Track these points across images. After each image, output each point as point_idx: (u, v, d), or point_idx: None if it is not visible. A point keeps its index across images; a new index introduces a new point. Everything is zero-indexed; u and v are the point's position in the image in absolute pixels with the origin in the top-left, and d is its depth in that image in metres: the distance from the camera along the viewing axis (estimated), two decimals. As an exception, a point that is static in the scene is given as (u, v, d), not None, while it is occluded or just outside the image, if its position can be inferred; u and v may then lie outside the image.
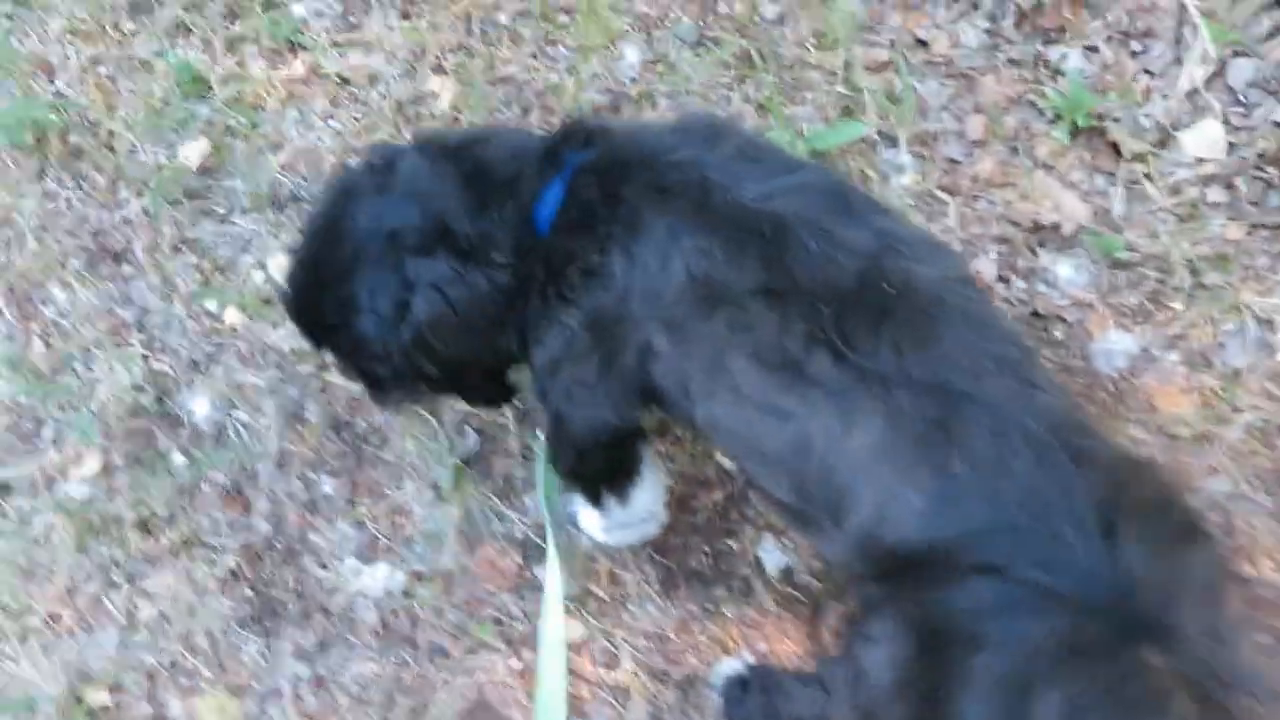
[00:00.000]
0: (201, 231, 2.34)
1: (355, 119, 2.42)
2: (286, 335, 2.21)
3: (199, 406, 2.16)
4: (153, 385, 2.20)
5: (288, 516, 2.08)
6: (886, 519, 1.25)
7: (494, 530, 2.03)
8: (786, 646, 1.91)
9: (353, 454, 2.12)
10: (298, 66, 2.53)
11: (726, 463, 2.01)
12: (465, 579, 1.97)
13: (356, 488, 2.10)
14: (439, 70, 2.49)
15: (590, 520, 1.94)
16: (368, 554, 2.03)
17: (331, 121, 2.46)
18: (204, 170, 2.43)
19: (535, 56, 2.48)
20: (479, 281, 1.53)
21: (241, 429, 2.16)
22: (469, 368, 1.61)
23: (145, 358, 2.18)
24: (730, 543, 2.01)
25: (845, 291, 1.29)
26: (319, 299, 1.53)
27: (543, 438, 1.78)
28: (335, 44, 2.54)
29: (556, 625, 1.55)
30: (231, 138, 2.45)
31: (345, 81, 2.47)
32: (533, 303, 1.56)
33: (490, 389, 1.76)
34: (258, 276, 2.26)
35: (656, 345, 1.45)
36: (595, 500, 1.83)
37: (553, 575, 1.59)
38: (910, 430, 1.24)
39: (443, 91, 2.48)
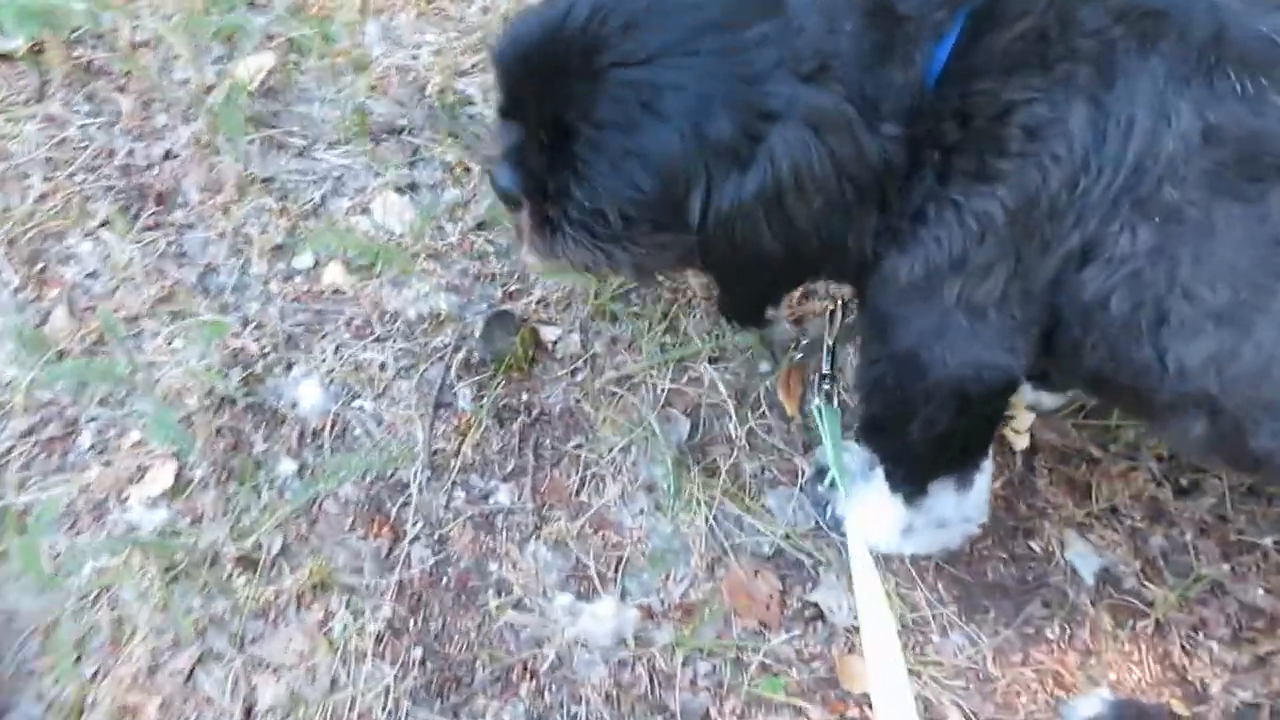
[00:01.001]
0: (275, 168, 1.73)
1: (454, 38, 1.86)
2: (414, 298, 1.62)
3: (306, 394, 1.55)
4: (236, 367, 1.56)
5: (455, 540, 1.48)
6: None
7: (736, 544, 1.50)
8: (1139, 674, 1.46)
9: (529, 450, 1.55)
10: (370, -27, 1.95)
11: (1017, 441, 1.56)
12: (713, 613, 1.43)
13: (542, 496, 1.53)
14: (548, -15, 1.96)
15: (883, 522, 1.45)
16: (576, 585, 1.46)
17: (426, 38, 1.89)
18: (268, 92, 1.82)
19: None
20: (868, 143, 1.04)
21: (370, 424, 1.55)
22: (776, 264, 1.09)
23: (218, 332, 1.54)
24: (1031, 544, 1.56)
25: None
26: (570, 76, 1.01)
27: (831, 401, 1.36)
28: (413, -48, 1.98)
29: (887, 651, 1.12)
30: (298, 54, 1.85)
31: (431, -2, 1.93)
32: (914, 186, 1.09)
33: (763, 301, 1.24)
34: (362, 224, 1.67)
35: (1114, 247, 1.03)
36: (920, 486, 1.34)
37: (869, 583, 1.17)
38: None
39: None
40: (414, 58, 1.91)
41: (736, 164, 1.01)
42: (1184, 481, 1.66)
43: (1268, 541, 1.62)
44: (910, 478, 1.39)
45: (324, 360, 1.62)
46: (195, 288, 1.66)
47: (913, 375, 1.22)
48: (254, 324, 1.64)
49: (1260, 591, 1.57)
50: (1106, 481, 1.65)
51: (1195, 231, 0.99)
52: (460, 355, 1.63)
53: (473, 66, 1.90)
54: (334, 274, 1.67)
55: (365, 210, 1.75)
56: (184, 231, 1.71)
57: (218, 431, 1.53)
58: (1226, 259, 0.98)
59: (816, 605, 1.52)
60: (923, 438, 1.29)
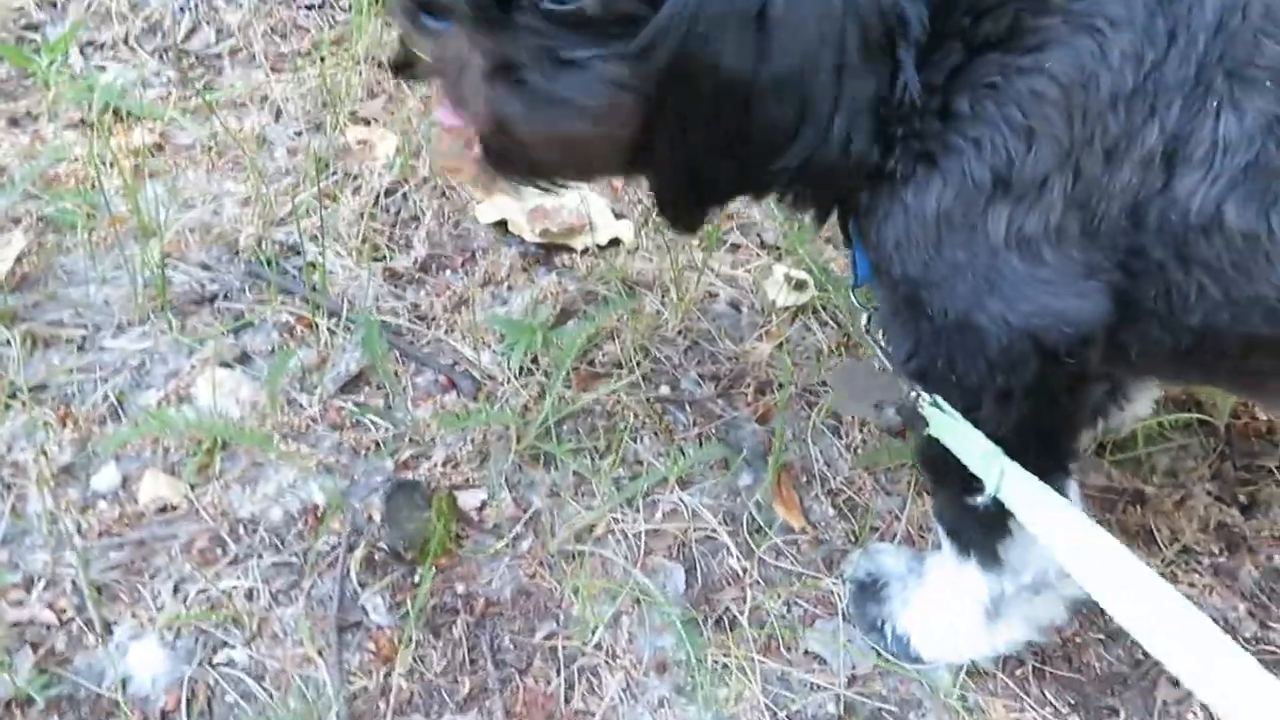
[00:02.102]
0: (45, 371, 1.26)
1: (262, 183, 1.51)
2: (276, 493, 1.18)
3: (142, 663, 1.09)
4: (24, 649, 1.04)
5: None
6: None
7: (794, 713, 1.10)
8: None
9: (485, 659, 1.11)
10: (140, 136, 1.58)
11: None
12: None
13: (520, 718, 1.07)
14: (358, 121, 1.68)
15: (961, 618, 1.11)
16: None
17: (226, 188, 1.52)
18: (21, 282, 1.37)
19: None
20: None
21: (248, 681, 1.06)
22: (735, 112, 0.82)
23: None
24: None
25: None
26: None
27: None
28: (187, 111, 1.64)
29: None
30: (57, 233, 1.42)
31: (220, 150, 1.57)
32: (938, 64, 0.83)
33: (708, 183, 0.92)
34: (185, 415, 1.22)
35: (1214, 134, 0.80)
36: (1001, 525, 1.02)
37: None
38: None
39: (377, 142, 1.66)
40: (215, 214, 1.51)
41: None
42: (1242, 498, 1.41)
43: (1358, 539, 1.37)
44: (986, 515, 1.03)
45: (160, 608, 1.11)
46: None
47: (970, 351, 0.91)
48: (43, 582, 1.11)
49: (1378, 598, 1.31)
50: (1165, 519, 1.37)
51: None
52: (359, 553, 1.17)
53: (293, 212, 1.52)
54: (155, 487, 1.19)
55: (185, 398, 1.29)
56: (-80, 478, 1.18)
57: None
58: None
59: (921, 762, 1.10)
60: (999, 432, 0.94)
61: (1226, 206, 0.80)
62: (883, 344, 1.02)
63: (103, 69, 1.77)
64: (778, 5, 0.77)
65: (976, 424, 0.92)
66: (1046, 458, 1.00)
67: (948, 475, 1.00)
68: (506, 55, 0.80)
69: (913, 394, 0.93)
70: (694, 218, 0.96)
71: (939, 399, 0.93)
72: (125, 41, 1.82)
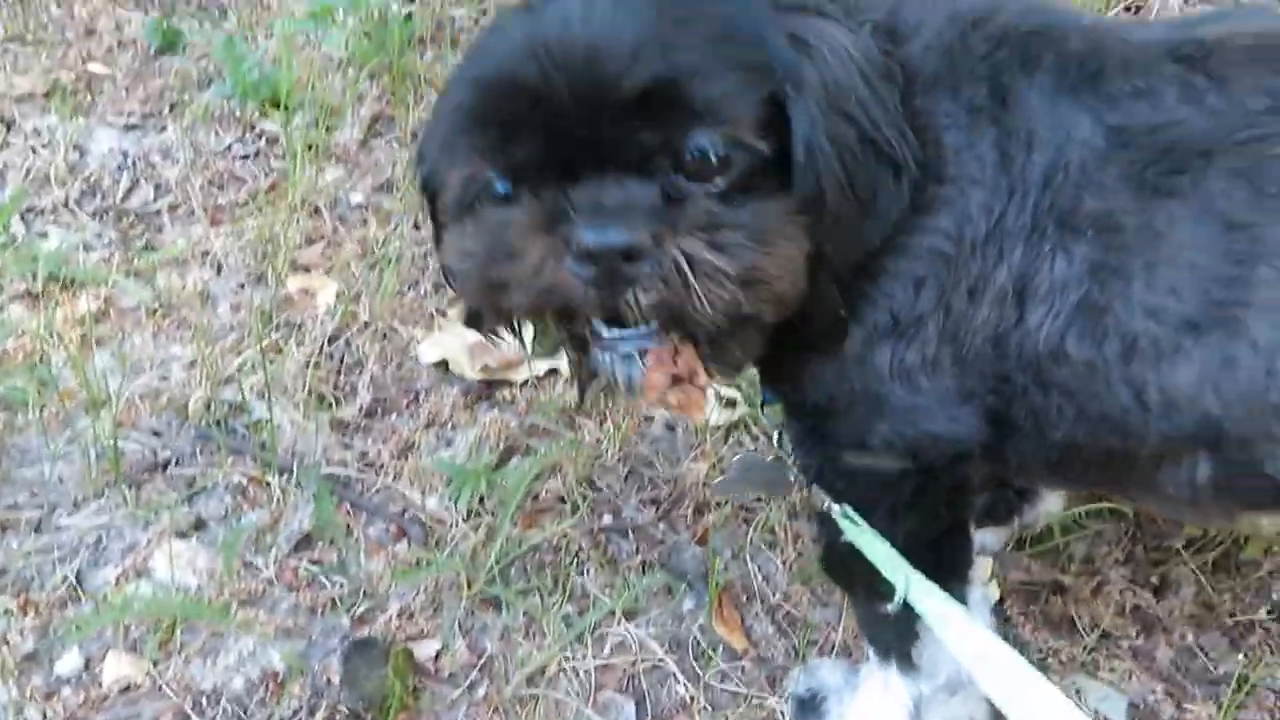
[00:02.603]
0: (4, 555, 1.31)
1: (206, 345, 1.59)
2: (236, 662, 1.24)
3: None
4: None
5: None
6: None
7: None
8: None
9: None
10: (85, 302, 1.65)
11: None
12: None
13: None
14: (299, 269, 1.77)
15: (892, 710, 1.20)
16: None
17: (173, 353, 1.59)
18: (-26, 467, 1.42)
19: (418, 226, 1.85)
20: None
21: None
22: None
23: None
24: None
25: None
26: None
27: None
28: (130, 273, 1.72)
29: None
30: (8, 411, 1.48)
31: (164, 310, 1.65)
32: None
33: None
34: (143, 590, 1.28)
35: (1050, 274, 0.92)
36: (911, 630, 1.11)
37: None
38: None
39: (318, 290, 1.74)
40: (163, 378, 1.58)
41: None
42: (1154, 580, 1.52)
43: (1261, 614, 1.49)
44: (897, 621, 1.12)
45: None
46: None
47: (863, 470, 1.03)
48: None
49: (1283, 673, 1.42)
50: (1085, 606, 1.47)
51: (1139, 239, 0.89)
52: (319, 717, 1.22)
53: (239, 369, 1.59)
54: (118, 667, 1.24)
55: (143, 572, 1.35)
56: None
57: None
58: (1184, 259, 0.88)
59: None
60: (896, 538, 1.04)
61: (1067, 338, 0.92)
62: (795, 459, 1.12)
63: (44, 235, 1.83)
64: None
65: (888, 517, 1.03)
66: (940, 568, 1.10)
67: (854, 582, 1.12)
68: (696, 235, 0.83)
69: (825, 504, 1.03)
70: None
71: (848, 509, 1.02)
72: (65, 204, 1.89)
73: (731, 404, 1.64)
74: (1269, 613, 1.49)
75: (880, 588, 1.02)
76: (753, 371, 1.09)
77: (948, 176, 0.92)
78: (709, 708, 1.31)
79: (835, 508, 1.05)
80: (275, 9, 2.38)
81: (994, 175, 0.91)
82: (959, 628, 0.94)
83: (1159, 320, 0.89)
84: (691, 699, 1.32)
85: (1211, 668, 1.42)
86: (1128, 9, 2.39)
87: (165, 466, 1.47)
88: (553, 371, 1.68)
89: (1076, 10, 1.01)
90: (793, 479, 1.10)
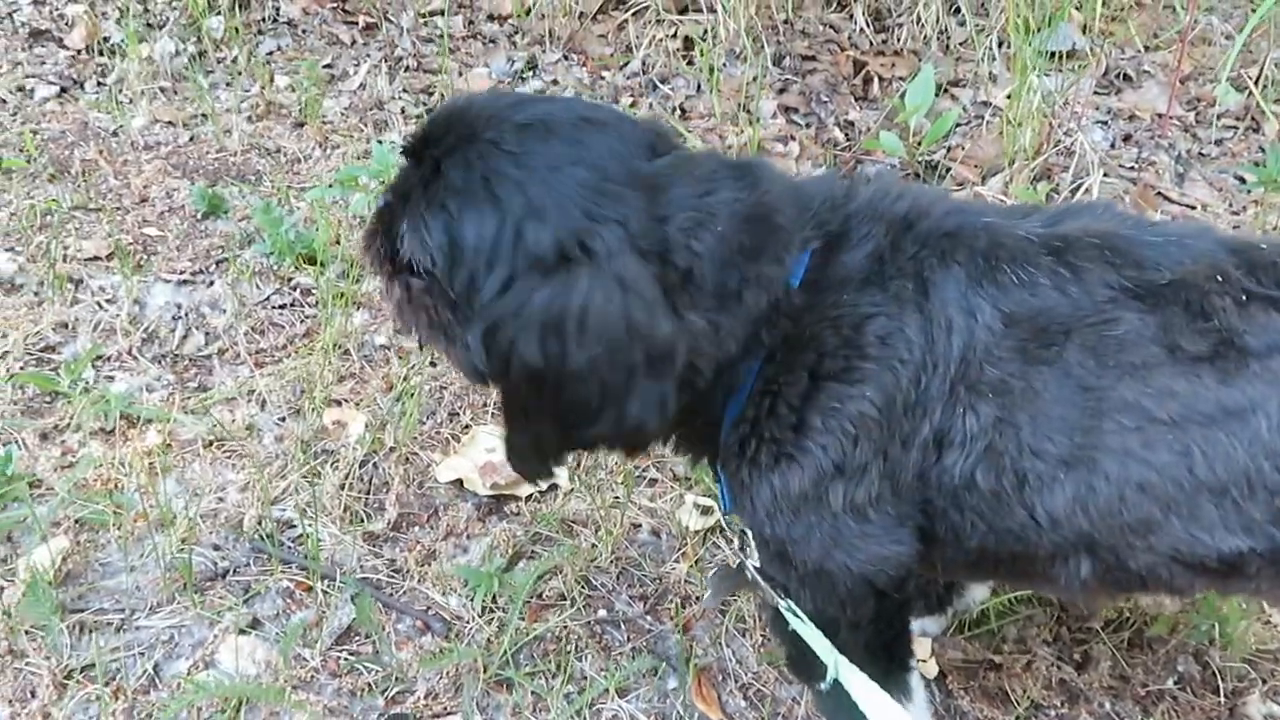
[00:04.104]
0: (92, 652, 1.62)
1: (255, 471, 1.93)
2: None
3: None
4: None
5: None
6: None
7: None
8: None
9: None
10: (151, 437, 2.00)
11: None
12: None
13: None
14: (332, 403, 2.12)
15: None
16: None
17: (229, 478, 1.93)
18: (65, 579, 1.75)
19: (433, 363, 2.22)
20: (662, 323, 1.13)
21: None
22: (548, 394, 1.15)
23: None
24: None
25: (1218, 268, 1.15)
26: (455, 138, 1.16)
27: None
28: (187, 410, 2.07)
29: None
30: (91, 532, 1.81)
31: (218, 441, 2.00)
32: (789, 385, 1.22)
33: (542, 444, 1.25)
34: (211, 679, 1.58)
35: (963, 428, 1.21)
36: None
37: None
38: None
39: (349, 421, 2.10)
40: (220, 500, 1.91)
41: (539, 273, 1.10)
42: (1077, 656, 1.81)
43: (1169, 684, 1.77)
44: (846, 711, 1.41)
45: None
46: (26, 815, 1.45)
47: (825, 588, 1.30)
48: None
49: (1189, 734, 1.69)
50: (1016, 680, 1.76)
51: (1023, 398, 1.16)
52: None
53: (285, 491, 1.92)
54: (194, 750, 1.53)
55: (210, 664, 1.65)
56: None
57: None
58: (1055, 413, 1.15)
59: None
60: (852, 645, 1.34)
61: (976, 473, 1.21)
62: (755, 565, 1.41)
63: (111, 379, 2.18)
64: (572, 315, 1.07)
65: (838, 642, 1.31)
66: (890, 661, 1.40)
67: (797, 654, 1.39)
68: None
69: (775, 601, 1.33)
70: (536, 465, 1.26)
71: (792, 605, 1.31)
72: (129, 352, 2.25)
73: (707, 510, 1.96)
74: (1175, 683, 1.78)
75: (819, 668, 1.32)
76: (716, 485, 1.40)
77: (870, 356, 1.17)
78: (690, 772, 1.59)
79: (781, 603, 1.34)
80: (304, 175, 2.80)
81: (920, 355, 1.17)
82: (877, 701, 1.23)
83: (1041, 459, 1.15)
84: (675, 764, 1.60)
85: (1127, 733, 1.69)
86: (1058, 152, 2.81)
87: (225, 575, 1.78)
88: (553, 487, 2.01)
89: (982, 208, 1.29)
90: (750, 579, 1.40)
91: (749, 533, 1.33)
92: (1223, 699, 1.72)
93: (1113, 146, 2.94)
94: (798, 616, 1.31)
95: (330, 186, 2.59)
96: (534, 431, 1.21)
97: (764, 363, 1.22)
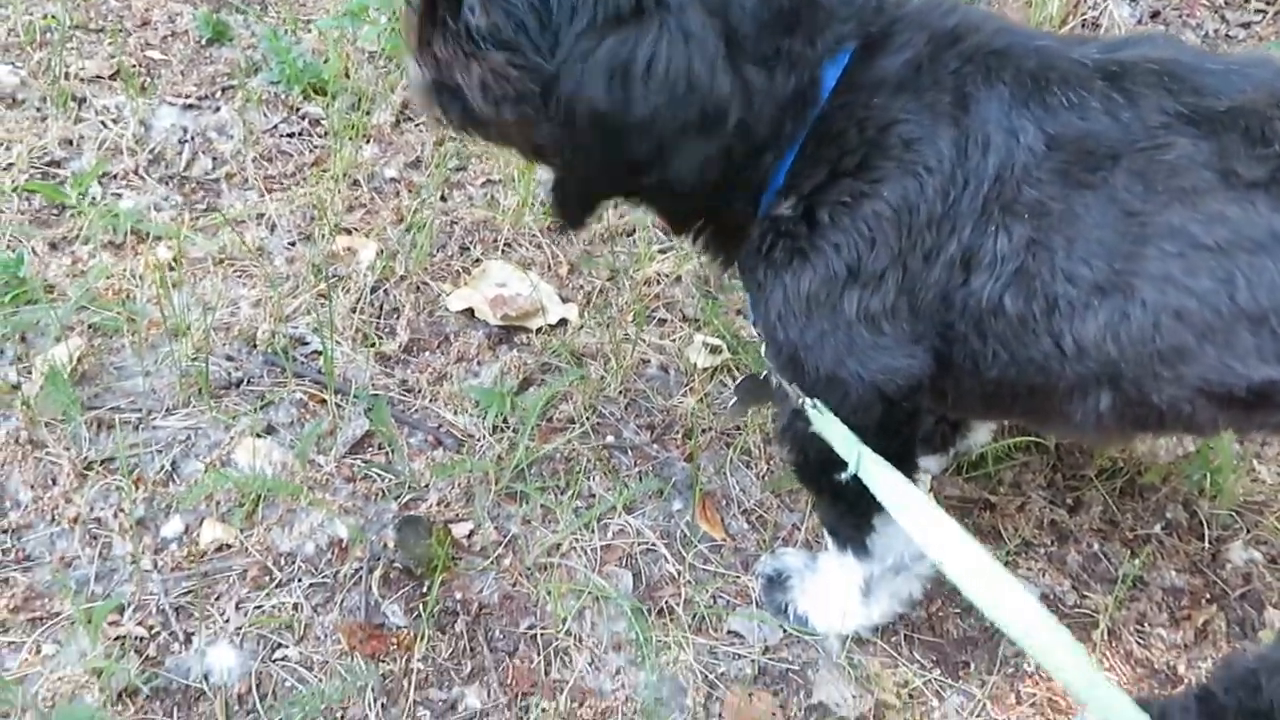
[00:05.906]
0: (112, 446, 1.69)
1: (267, 289, 1.97)
2: (309, 531, 1.61)
3: (219, 660, 1.48)
4: (128, 655, 1.45)
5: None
6: None
7: (721, 674, 1.55)
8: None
9: (482, 645, 1.54)
10: (162, 252, 2.03)
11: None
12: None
13: (512, 687, 1.51)
14: (342, 231, 2.15)
15: (845, 595, 1.57)
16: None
17: (241, 293, 1.97)
18: (81, 379, 1.80)
19: (444, 198, 2.24)
20: (722, 78, 1.15)
21: (302, 670, 1.48)
22: (610, 141, 1.17)
23: (101, 616, 1.44)
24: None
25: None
26: None
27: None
28: (197, 230, 2.10)
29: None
30: (104, 337, 1.86)
31: (229, 260, 2.03)
32: (806, 176, 1.23)
33: (590, 192, 1.30)
34: (231, 474, 1.65)
35: (993, 249, 1.22)
36: (867, 521, 1.48)
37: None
38: None
39: (360, 249, 2.13)
40: (233, 314, 1.95)
41: (614, 24, 1.11)
42: (1070, 500, 1.90)
43: (1157, 529, 1.86)
44: (854, 515, 1.49)
45: (227, 621, 1.53)
46: (52, 586, 1.53)
47: (836, 398, 1.34)
48: (133, 607, 1.52)
49: (1173, 573, 1.80)
50: (1010, 521, 1.85)
51: (1062, 221, 1.15)
52: (378, 573, 1.60)
53: (295, 311, 1.97)
54: (212, 532, 1.61)
55: (227, 463, 1.72)
56: (22, 534, 1.59)
57: (129, 727, 1.38)
58: (1094, 237, 1.14)
59: (819, 705, 1.55)
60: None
61: (1005, 298, 1.20)
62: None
63: (119, 196, 2.21)
64: (639, 64, 1.10)
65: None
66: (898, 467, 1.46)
67: (808, 460, 1.44)
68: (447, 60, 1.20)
69: (799, 400, 1.37)
70: (578, 215, 1.30)
71: (818, 402, 1.35)
72: (135, 172, 2.27)
73: (716, 350, 2.03)
74: (1163, 528, 1.87)
75: (834, 461, 1.34)
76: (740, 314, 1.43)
77: (892, 156, 1.18)
78: (692, 581, 1.69)
79: (805, 400, 1.37)
80: (311, 5, 2.77)
81: (950, 169, 1.17)
82: (905, 493, 1.24)
83: (1075, 284, 1.15)
84: (678, 574, 1.69)
85: (1112, 570, 1.80)
86: (1084, 25, 2.82)
87: (239, 384, 1.84)
88: (563, 321, 2.06)
89: (1035, 32, 1.29)
90: (775, 384, 1.44)
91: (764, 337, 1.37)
92: (1207, 545, 1.82)
93: (1139, 22, 2.94)
94: (820, 412, 1.34)
95: (338, 18, 2.57)
96: (583, 178, 1.24)
97: (795, 161, 1.25)
